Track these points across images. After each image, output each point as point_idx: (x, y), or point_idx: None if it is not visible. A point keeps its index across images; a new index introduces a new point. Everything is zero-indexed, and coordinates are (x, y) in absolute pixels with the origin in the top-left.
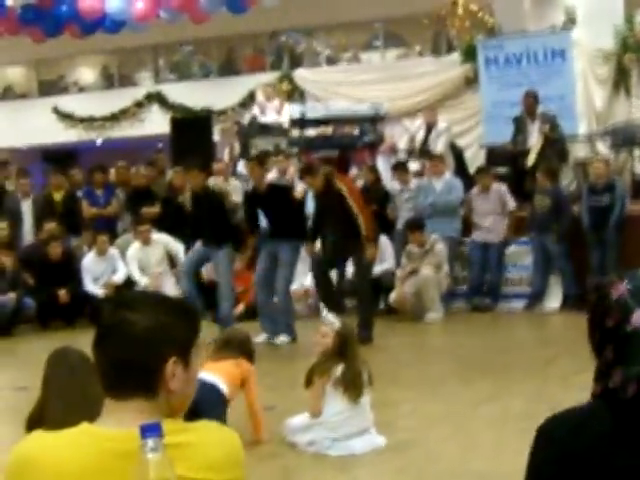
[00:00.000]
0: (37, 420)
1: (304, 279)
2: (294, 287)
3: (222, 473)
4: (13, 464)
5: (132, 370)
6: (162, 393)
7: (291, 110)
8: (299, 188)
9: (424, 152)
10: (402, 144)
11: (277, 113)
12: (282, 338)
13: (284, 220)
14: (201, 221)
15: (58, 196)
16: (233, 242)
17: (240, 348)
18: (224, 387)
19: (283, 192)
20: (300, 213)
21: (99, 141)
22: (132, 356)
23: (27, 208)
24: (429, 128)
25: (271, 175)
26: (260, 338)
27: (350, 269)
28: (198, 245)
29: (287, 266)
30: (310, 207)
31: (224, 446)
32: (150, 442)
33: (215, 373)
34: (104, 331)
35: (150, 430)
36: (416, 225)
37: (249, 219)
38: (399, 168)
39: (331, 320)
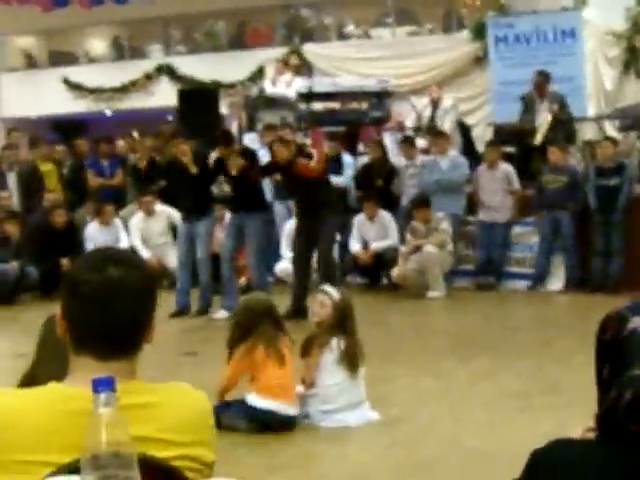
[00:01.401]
0: (29, 381)
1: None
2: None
3: (191, 434)
4: None
5: (126, 326)
6: (139, 352)
7: (299, 84)
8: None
9: (430, 129)
10: (409, 121)
11: (287, 86)
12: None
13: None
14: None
15: (44, 167)
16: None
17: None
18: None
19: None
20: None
21: (108, 112)
22: (129, 312)
23: (12, 179)
24: (435, 105)
25: None
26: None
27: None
28: (180, 226)
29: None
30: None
31: (194, 407)
32: (103, 396)
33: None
34: (94, 288)
35: (103, 384)
36: (422, 202)
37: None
38: (406, 143)
39: (329, 290)
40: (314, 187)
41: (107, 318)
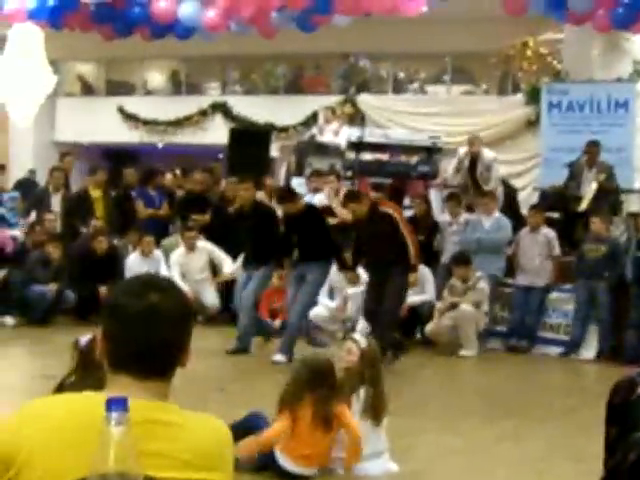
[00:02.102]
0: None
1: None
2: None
3: (211, 460)
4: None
5: (164, 349)
6: (173, 375)
7: (349, 133)
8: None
9: (476, 187)
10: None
11: (334, 135)
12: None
13: (314, 241)
14: (245, 237)
15: (95, 193)
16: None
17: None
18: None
19: (316, 213)
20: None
21: (160, 145)
22: (167, 335)
23: (56, 202)
24: (473, 159)
25: (321, 195)
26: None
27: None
28: (241, 272)
29: (312, 285)
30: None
31: (216, 435)
32: (114, 415)
33: None
34: (136, 312)
35: (116, 404)
36: (462, 260)
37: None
38: (452, 199)
39: (358, 338)
40: (388, 243)
41: (147, 341)
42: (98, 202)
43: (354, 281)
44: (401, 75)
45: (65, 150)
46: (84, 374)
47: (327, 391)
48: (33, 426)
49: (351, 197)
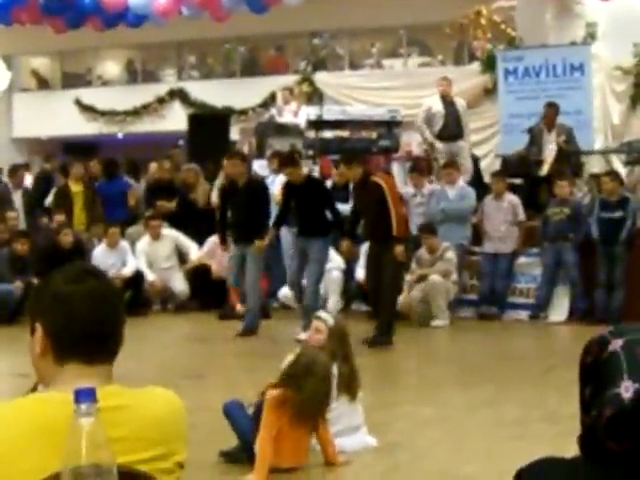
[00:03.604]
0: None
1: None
2: None
3: (165, 432)
4: None
5: (110, 332)
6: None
7: (308, 112)
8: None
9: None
10: (416, 150)
11: (294, 115)
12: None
13: (314, 214)
14: (236, 213)
15: (76, 188)
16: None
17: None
18: None
19: (319, 185)
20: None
21: (120, 135)
22: (111, 318)
23: (18, 198)
24: (447, 102)
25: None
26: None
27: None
28: (232, 249)
29: (316, 264)
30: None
31: (166, 406)
32: (84, 407)
33: None
34: (80, 296)
35: (85, 395)
36: (429, 230)
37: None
38: (415, 170)
39: (325, 316)
40: (377, 214)
41: (94, 322)
42: (77, 196)
43: (348, 255)
44: (357, 50)
45: (23, 145)
46: None
47: (320, 392)
48: None
49: (286, 161)
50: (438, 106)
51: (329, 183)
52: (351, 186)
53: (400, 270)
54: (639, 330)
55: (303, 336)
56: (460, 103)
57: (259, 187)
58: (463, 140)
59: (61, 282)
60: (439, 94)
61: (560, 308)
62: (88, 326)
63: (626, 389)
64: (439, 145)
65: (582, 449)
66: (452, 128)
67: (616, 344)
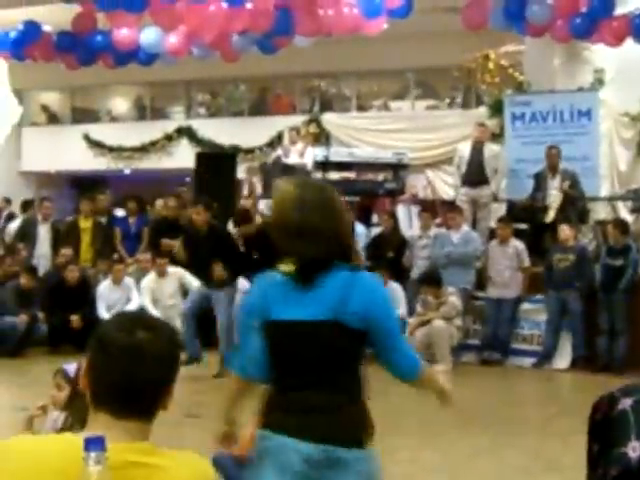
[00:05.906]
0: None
1: None
2: None
3: None
4: None
5: (146, 389)
6: (154, 417)
7: (315, 153)
8: None
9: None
10: (422, 193)
11: (300, 156)
12: None
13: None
14: (202, 260)
15: (85, 224)
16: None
17: None
18: None
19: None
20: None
21: (127, 171)
22: (152, 376)
23: (45, 232)
24: (478, 148)
25: None
26: None
27: None
28: (198, 287)
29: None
30: None
31: (199, 474)
32: (92, 455)
33: None
34: (122, 347)
35: (94, 443)
36: (433, 280)
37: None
38: (426, 211)
39: None
40: None
41: (129, 379)
42: (85, 232)
43: None
44: (364, 93)
45: (31, 180)
46: (77, 401)
47: None
48: (3, 466)
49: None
50: (465, 151)
51: None
52: None
53: None
54: None
55: None
56: (490, 149)
57: (221, 234)
58: (488, 186)
59: (112, 327)
60: (472, 140)
61: (563, 356)
62: (118, 379)
63: (633, 449)
64: (461, 190)
65: None
66: (474, 174)
67: (625, 403)
